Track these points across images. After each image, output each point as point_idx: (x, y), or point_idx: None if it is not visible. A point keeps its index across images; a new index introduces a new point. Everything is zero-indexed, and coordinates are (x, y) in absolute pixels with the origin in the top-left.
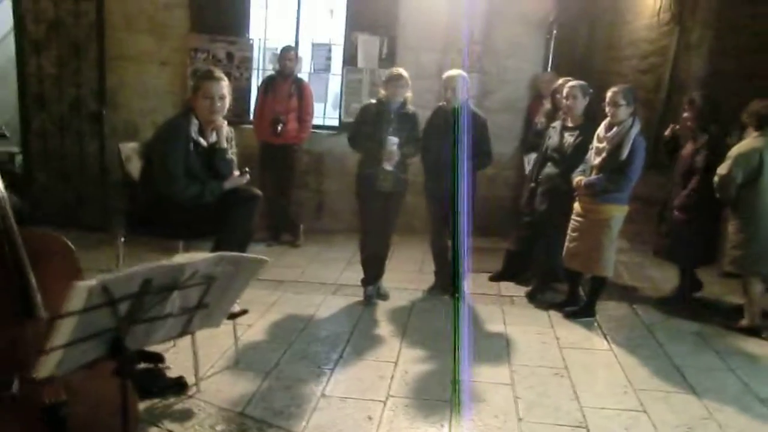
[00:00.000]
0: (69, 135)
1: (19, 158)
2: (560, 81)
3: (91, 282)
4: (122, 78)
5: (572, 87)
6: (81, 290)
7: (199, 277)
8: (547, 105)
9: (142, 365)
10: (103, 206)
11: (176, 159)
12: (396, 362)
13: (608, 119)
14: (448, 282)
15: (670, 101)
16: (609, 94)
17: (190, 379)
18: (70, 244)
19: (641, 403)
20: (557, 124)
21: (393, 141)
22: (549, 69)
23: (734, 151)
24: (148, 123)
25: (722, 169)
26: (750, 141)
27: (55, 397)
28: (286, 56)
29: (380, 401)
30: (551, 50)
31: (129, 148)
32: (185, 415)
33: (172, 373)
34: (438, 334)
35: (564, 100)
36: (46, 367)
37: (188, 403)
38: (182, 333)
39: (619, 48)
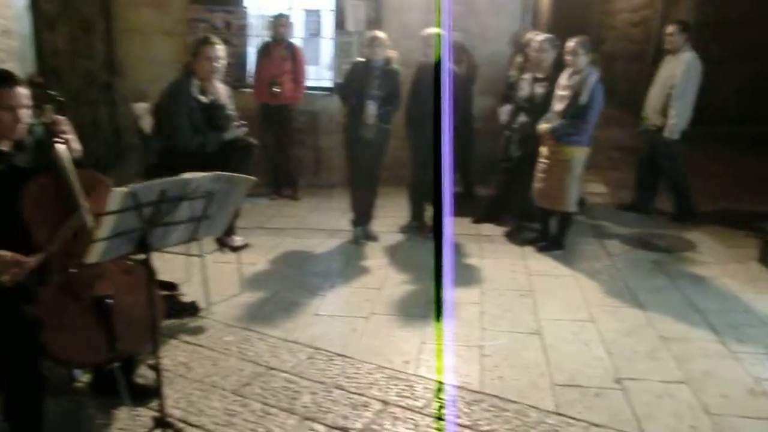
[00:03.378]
0: (84, 105)
1: (37, 130)
2: (530, 35)
3: (124, 189)
4: (130, 49)
5: (541, 41)
6: (117, 194)
7: (202, 192)
8: (519, 59)
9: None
10: (118, 168)
11: (181, 115)
12: (380, 288)
13: (569, 68)
14: (423, 222)
15: (659, 53)
16: (569, 44)
17: (201, 305)
18: (108, 181)
19: (591, 315)
20: (528, 75)
21: (371, 104)
22: (531, 25)
23: None
24: (155, 90)
25: None
26: None
27: (104, 291)
28: (279, 23)
29: (364, 317)
30: (532, 7)
31: (140, 107)
32: (198, 330)
33: (185, 299)
34: (420, 267)
35: (533, 54)
36: (94, 254)
37: (200, 322)
38: (191, 238)
39: (612, 1)
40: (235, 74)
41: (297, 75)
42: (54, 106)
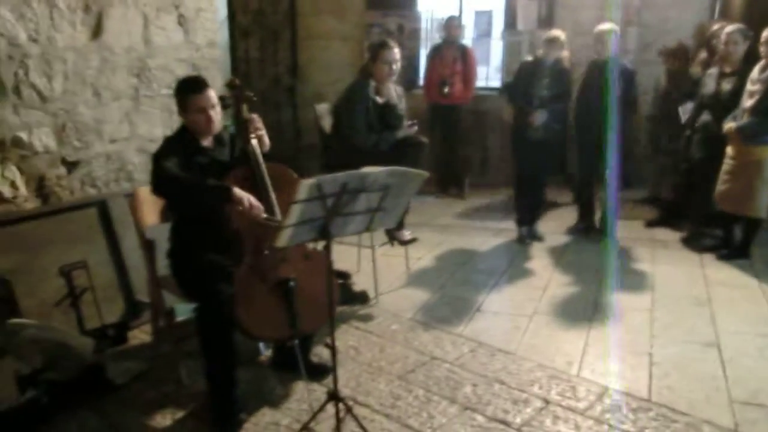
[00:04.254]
0: (269, 106)
1: (230, 127)
2: (716, 27)
3: (312, 180)
4: (311, 55)
5: (731, 32)
6: (306, 185)
7: (379, 185)
8: (703, 54)
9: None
10: (297, 164)
11: (358, 115)
12: (545, 288)
13: (763, 61)
14: (592, 225)
15: None
16: (765, 33)
17: (371, 294)
18: (294, 173)
19: None
20: (713, 71)
21: (541, 114)
22: (715, 16)
23: None
24: (332, 93)
25: None
26: None
27: (288, 274)
28: (451, 25)
29: (527, 316)
30: None
31: (322, 108)
32: (367, 318)
33: (356, 288)
34: (587, 269)
35: (722, 46)
36: (282, 238)
37: (369, 310)
38: (366, 229)
39: None
40: (407, 75)
41: (467, 75)
42: (249, 105)
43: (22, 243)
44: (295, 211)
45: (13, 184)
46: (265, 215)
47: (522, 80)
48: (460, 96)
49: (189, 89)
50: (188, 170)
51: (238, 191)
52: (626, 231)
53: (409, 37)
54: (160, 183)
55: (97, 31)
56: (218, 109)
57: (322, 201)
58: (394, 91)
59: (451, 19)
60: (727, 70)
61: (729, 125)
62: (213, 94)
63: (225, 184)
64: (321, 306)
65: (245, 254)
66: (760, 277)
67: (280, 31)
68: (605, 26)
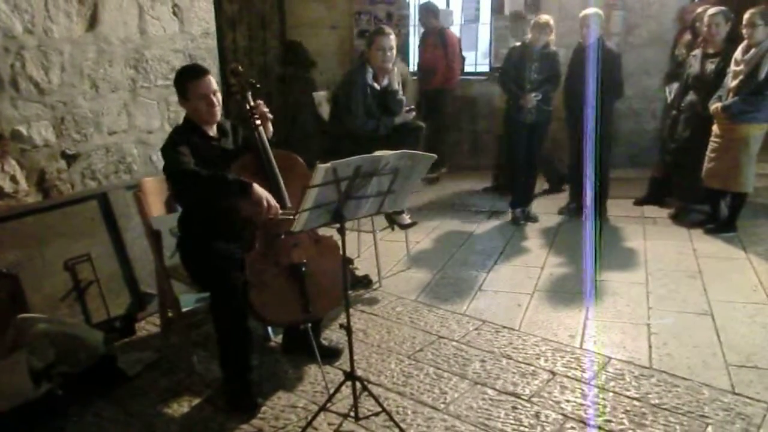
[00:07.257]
0: (259, 96)
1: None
2: (699, 9)
3: (328, 164)
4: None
5: (713, 15)
6: (321, 170)
7: (389, 168)
8: (687, 36)
9: None
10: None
11: (357, 101)
12: (542, 267)
13: (746, 42)
14: (582, 204)
15: None
16: (746, 15)
17: (373, 278)
18: (300, 159)
19: None
20: (698, 52)
21: (532, 96)
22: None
23: None
24: (322, 81)
25: None
26: None
27: (299, 259)
28: (423, 12)
29: (528, 294)
30: None
31: (320, 95)
32: (372, 301)
33: (359, 273)
34: (581, 247)
35: (705, 28)
36: (299, 223)
37: (374, 293)
38: (377, 212)
39: None
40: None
41: (449, 59)
42: (253, 92)
43: (25, 238)
44: (311, 196)
45: (13, 179)
46: (282, 212)
47: (512, 65)
48: (444, 80)
49: (189, 76)
50: (196, 161)
51: (257, 190)
52: (616, 209)
53: (398, 24)
54: (179, 178)
55: (92, 22)
56: (219, 96)
57: (336, 185)
58: (396, 77)
59: (423, 6)
60: (711, 51)
61: (715, 105)
62: (213, 80)
63: (245, 180)
64: (331, 289)
65: (256, 241)
66: (747, 249)
67: (269, 19)
68: (589, 10)
